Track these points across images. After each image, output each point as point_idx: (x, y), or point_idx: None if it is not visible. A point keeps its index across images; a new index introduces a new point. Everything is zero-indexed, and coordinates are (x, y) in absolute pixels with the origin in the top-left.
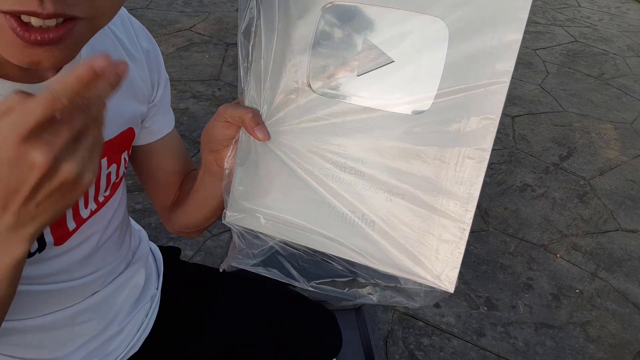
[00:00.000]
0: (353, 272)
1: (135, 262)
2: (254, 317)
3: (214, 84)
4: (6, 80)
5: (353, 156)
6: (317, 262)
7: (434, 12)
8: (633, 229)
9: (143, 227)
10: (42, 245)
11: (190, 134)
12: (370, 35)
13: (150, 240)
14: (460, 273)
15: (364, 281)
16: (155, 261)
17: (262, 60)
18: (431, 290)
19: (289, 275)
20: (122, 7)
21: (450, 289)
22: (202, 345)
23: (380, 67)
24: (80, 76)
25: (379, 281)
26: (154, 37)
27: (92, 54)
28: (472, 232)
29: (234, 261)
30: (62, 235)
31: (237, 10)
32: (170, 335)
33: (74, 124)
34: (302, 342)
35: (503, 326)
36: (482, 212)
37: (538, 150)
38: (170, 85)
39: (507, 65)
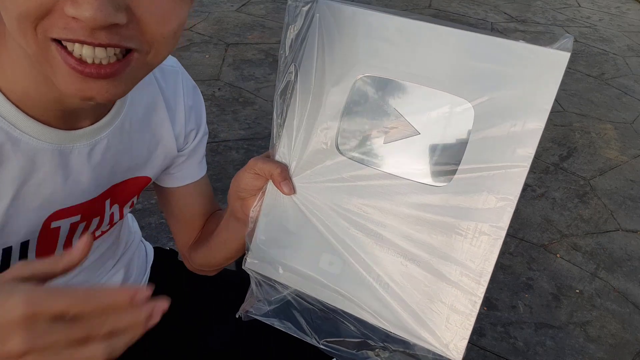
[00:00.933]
0: (364, 334)
1: (118, 263)
2: (248, 330)
3: (213, 83)
4: (46, 126)
5: (373, 219)
6: (330, 320)
7: (462, 94)
8: (633, 229)
9: (143, 227)
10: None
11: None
12: (399, 107)
13: (149, 240)
14: None
15: (373, 344)
16: (147, 261)
17: (295, 119)
18: (439, 357)
19: (301, 329)
20: (181, 66)
21: (458, 358)
22: (200, 347)
23: (407, 137)
24: (116, 298)
25: (388, 345)
26: None
27: (133, 106)
28: None
29: (250, 309)
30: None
31: (236, 10)
32: (161, 337)
33: (75, 331)
34: (304, 344)
35: (503, 326)
36: None
37: (538, 150)
38: None
39: (528, 150)
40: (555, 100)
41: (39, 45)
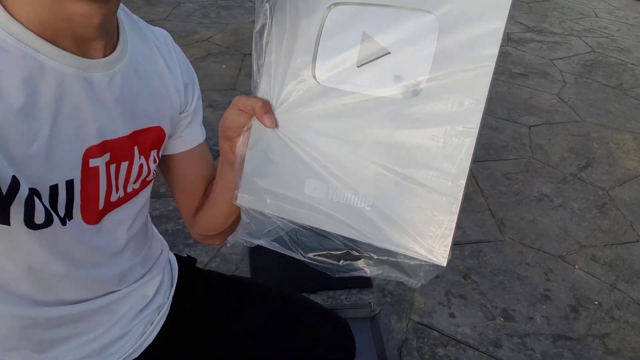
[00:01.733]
0: (348, 245)
1: (153, 271)
2: (267, 325)
3: (230, 93)
4: (66, 51)
5: (350, 139)
6: (314, 236)
7: (425, 7)
8: None
9: (160, 233)
10: (68, 216)
11: (207, 141)
12: (370, 30)
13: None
14: (476, 283)
15: (357, 254)
16: (172, 271)
17: (273, 55)
18: (425, 265)
19: (287, 247)
20: (169, 34)
21: (443, 262)
22: (212, 352)
23: (378, 58)
24: None
25: (372, 254)
26: None
27: (135, 53)
28: (487, 242)
29: (240, 236)
30: (91, 212)
31: (253, 21)
32: (177, 343)
33: None
34: (316, 349)
35: (520, 337)
36: (498, 222)
37: (555, 160)
38: None
39: (492, 50)
40: (573, 110)
41: None
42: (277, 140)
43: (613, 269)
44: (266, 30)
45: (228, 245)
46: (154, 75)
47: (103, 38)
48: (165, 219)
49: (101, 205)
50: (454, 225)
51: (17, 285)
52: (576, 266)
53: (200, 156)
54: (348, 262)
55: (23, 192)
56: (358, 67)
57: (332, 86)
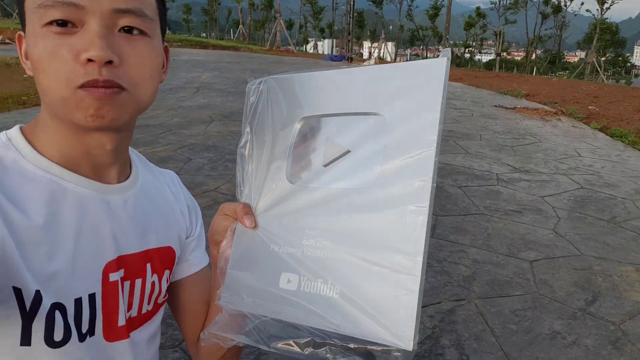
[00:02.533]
0: (312, 333)
1: None
2: None
3: None
4: (87, 178)
5: (318, 229)
6: (279, 325)
7: (375, 110)
8: None
9: None
10: (90, 332)
11: None
12: (333, 135)
13: None
14: None
15: (320, 341)
16: None
17: (254, 164)
18: (393, 351)
19: (253, 337)
20: (175, 174)
21: (409, 346)
22: None
23: (340, 157)
24: None
25: (336, 340)
26: None
27: (146, 183)
28: None
29: (214, 330)
30: (110, 329)
31: None
32: None
33: None
34: None
35: None
36: None
37: (562, 295)
38: None
39: (432, 137)
40: (571, 244)
41: (69, 93)
42: (256, 238)
43: None
44: (248, 145)
45: (203, 344)
46: (162, 202)
47: (117, 164)
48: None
49: (120, 321)
50: (415, 304)
51: None
52: None
53: (206, 278)
54: (313, 351)
55: (44, 307)
56: (324, 166)
57: (302, 185)
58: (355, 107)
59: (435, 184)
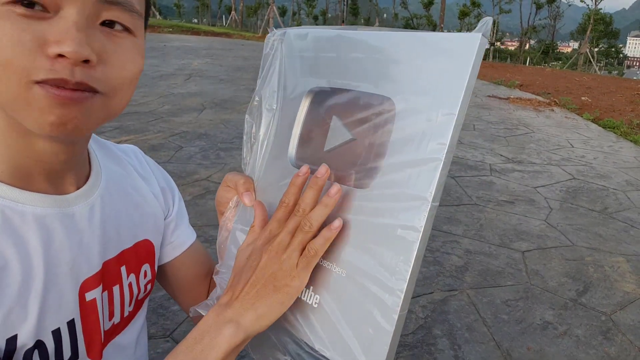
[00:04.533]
0: (290, 334)
1: None
2: None
3: None
4: (37, 193)
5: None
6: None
7: (385, 92)
8: None
9: None
10: (74, 357)
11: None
12: (342, 114)
13: None
14: None
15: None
16: None
17: (260, 137)
18: None
19: None
20: (138, 149)
21: None
22: None
23: (344, 144)
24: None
25: (310, 352)
26: None
27: (110, 175)
28: None
29: (199, 308)
30: (95, 346)
31: None
32: None
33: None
34: None
35: None
36: (505, 353)
37: (553, 286)
38: None
39: (441, 142)
40: (563, 234)
41: (21, 89)
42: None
43: None
44: (255, 111)
45: (191, 315)
46: (131, 190)
47: (73, 170)
48: None
49: (103, 335)
50: (393, 328)
51: None
52: None
53: (195, 255)
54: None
55: (19, 351)
56: (325, 151)
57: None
58: (370, 83)
59: (437, 203)
